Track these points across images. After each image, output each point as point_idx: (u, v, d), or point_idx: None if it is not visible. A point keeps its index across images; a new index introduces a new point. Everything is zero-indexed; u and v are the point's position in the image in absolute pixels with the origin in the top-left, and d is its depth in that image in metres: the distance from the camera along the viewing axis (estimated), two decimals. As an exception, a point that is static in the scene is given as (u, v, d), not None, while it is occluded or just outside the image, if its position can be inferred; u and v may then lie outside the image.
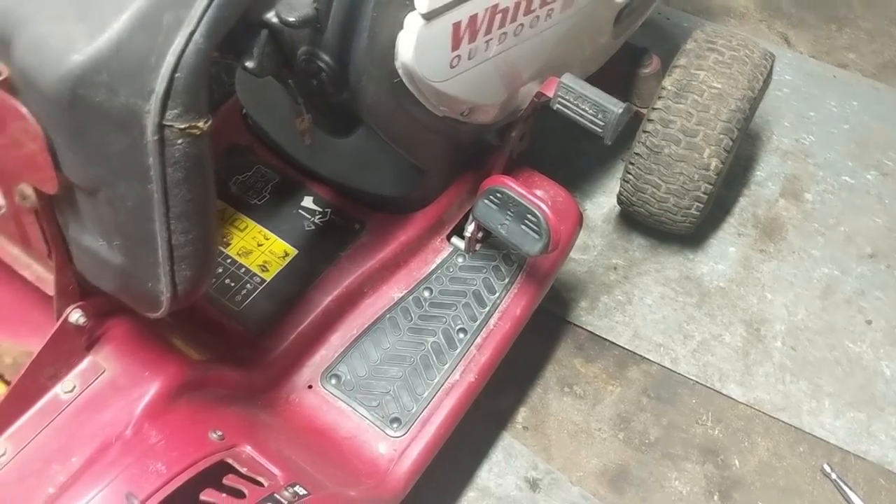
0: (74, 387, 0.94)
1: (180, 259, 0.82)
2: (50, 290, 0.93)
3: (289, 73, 1.06)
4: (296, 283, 1.26)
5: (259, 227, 1.31)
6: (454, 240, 1.36)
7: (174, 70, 0.70)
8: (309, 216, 1.33)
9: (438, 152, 1.29)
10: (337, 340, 1.26)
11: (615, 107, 1.14)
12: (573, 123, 1.21)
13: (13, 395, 0.91)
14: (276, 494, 0.94)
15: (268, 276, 1.26)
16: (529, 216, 1.21)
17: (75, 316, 0.92)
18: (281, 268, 1.27)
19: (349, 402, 1.21)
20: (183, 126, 0.71)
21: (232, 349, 1.17)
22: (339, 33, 1.01)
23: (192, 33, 0.70)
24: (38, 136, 0.72)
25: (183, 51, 0.69)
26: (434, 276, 1.33)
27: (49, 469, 0.89)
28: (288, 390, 1.20)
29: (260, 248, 1.29)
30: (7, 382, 0.96)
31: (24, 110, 0.71)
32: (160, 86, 0.69)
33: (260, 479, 0.96)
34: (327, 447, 1.16)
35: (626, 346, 1.61)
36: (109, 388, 0.95)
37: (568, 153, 1.84)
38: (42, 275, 0.94)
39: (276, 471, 0.99)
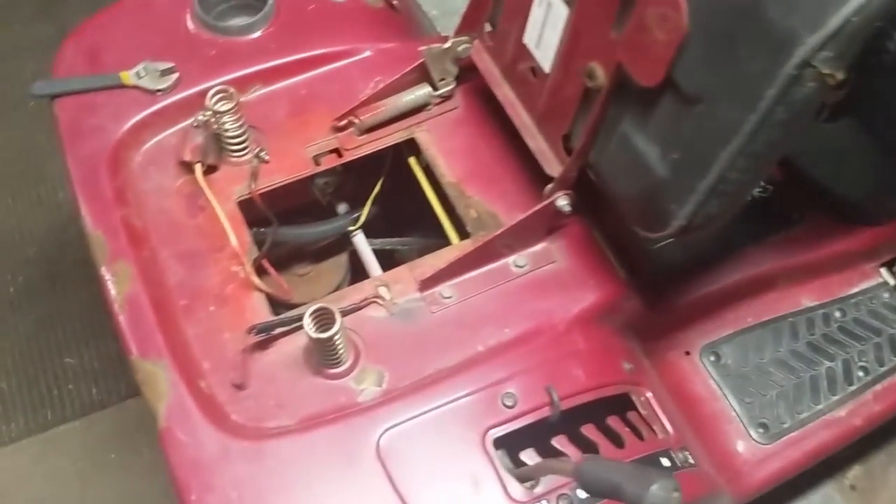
0: (526, 264, 0.96)
1: (717, 194, 0.77)
2: (548, 166, 0.94)
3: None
4: (714, 245, 1.19)
5: None
6: (885, 272, 1.23)
7: (854, 12, 0.63)
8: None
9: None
10: (729, 319, 1.19)
11: None
12: None
13: (475, 251, 0.93)
14: (671, 451, 0.91)
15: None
16: None
17: (563, 202, 0.92)
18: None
19: (721, 386, 1.14)
20: (825, 71, 0.66)
21: (636, 283, 1.14)
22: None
23: None
24: (681, 29, 0.69)
25: (872, -4, 0.63)
26: (852, 300, 1.21)
27: (483, 328, 0.92)
28: (668, 345, 1.16)
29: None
30: (465, 234, 1.00)
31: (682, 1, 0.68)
32: (833, 22, 0.64)
33: (655, 428, 0.94)
34: (689, 420, 1.12)
35: None
36: (555, 279, 0.96)
37: None
38: (544, 149, 0.94)
39: (669, 428, 0.96)
